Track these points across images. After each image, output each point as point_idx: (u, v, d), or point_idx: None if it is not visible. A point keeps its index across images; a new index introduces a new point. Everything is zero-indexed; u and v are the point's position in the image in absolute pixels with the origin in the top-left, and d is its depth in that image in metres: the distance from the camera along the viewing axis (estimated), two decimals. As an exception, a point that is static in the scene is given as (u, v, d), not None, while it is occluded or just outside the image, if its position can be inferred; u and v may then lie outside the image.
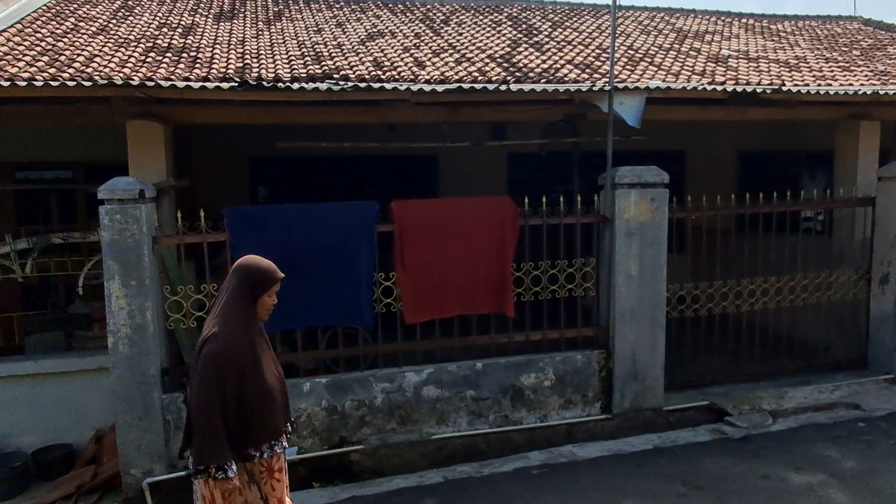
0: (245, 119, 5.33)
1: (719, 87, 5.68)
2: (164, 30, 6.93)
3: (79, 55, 5.51)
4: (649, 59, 6.97)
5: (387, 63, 6.10)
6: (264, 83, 4.85)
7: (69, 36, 6.24)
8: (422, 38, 7.34)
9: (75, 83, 4.52)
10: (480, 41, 7.37)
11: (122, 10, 7.63)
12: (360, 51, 6.57)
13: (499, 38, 7.65)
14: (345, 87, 4.92)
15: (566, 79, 5.84)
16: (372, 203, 4.92)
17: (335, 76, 5.38)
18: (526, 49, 7.11)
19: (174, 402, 4.61)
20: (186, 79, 4.95)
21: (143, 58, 5.69)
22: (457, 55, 6.60)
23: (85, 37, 6.28)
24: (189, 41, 6.52)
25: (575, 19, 9.17)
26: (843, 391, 5.81)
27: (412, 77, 5.59)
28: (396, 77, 5.56)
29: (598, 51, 7.19)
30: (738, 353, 6.08)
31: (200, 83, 4.73)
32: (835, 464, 4.58)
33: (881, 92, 5.87)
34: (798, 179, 9.50)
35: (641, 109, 5.36)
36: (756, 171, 9.50)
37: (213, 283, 4.69)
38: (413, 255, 4.95)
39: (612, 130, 5.35)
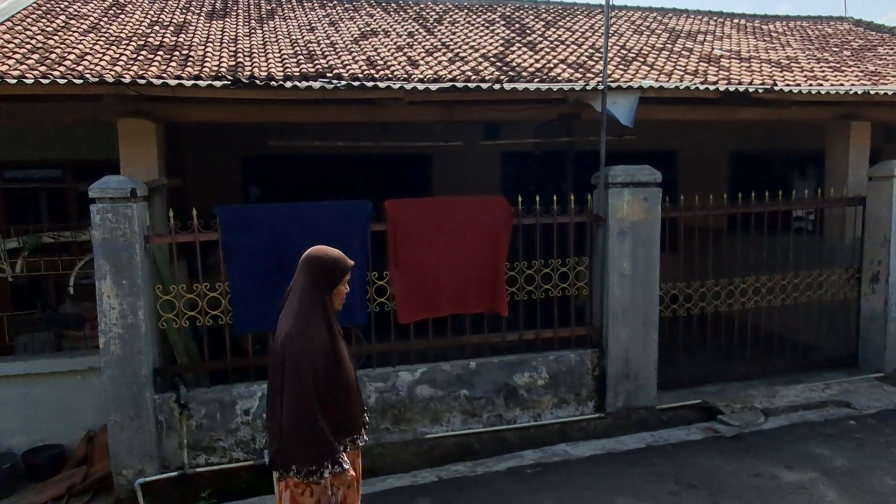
0: (237, 117, 5.32)
1: (712, 87, 5.70)
2: (156, 28, 6.88)
3: (69, 53, 5.46)
4: (642, 59, 6.98)
5: (380, 62, 6.09)
6: (257, 81, 4.83)
7: (60, 34, 6.18)
8: (415, 37, 7.33)
9: (66, 81, 4.49)
10: (474, 40, 7.37)
11: (114, 8, 7.58)
12: (353, 49, 6.56)
13: (492, 37, 7.64)
14: (338, 85, 4.90)
15: (559, 78, 5.84)
16: (365, 202, 4.91)
17: (328, 75, 5.36)
18: (519, 48, 7.11)
19: (166, 402, 4.58)
20: (178, 77, 4.92)
21: (134, 56, 5.65)
22: (450, 54, 6.60)
23: (76, 34, 6.23)
24: (181, 39, 6.48)
25: (568, 19, 9.18)
26: (834, 389, 5.85)
27: (405, 76, 5.58)
28: (390, 76, 5.55)
29: (591, 50, 7.20)
30: (730, 351, 6.11)
31: (192, 81, 4.70)
32: (826, 462, 4.61)
33: (872, 92, 5.91)
34: (790, 179, 9.56)
35: (634, 109, 5.38)
36: (748, 170, 9.53)
37: (205, 283, 4.67)
38: (407, 255, 4.94)
39: (605, 130, 5.36)
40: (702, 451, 4.89)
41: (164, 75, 4.99)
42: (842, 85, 6.29)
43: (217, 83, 4.69)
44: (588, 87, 5.39)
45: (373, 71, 5.69)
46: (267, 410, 2.81)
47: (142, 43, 6.15)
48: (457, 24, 8.27)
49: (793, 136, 8.63)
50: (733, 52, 7.80)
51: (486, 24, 8.38)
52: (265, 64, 5.75)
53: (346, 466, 2.63)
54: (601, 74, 5.49)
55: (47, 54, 5.37)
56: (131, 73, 5.00)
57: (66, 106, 4.95)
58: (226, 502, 4.46)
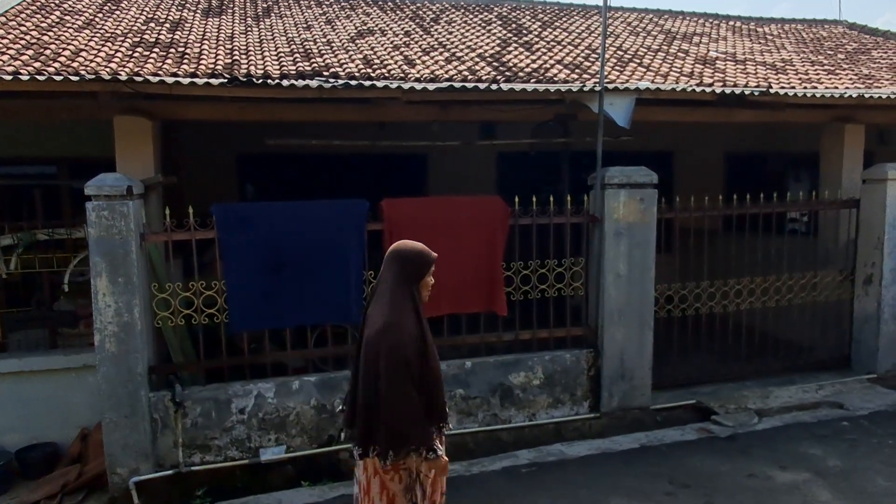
0: (234, 116, 5.30)
1: (707, 89, 5.72)
2: (152, 25, 6.85)
3: (64, 49, 5.44)
4: (638, 61, 7.00)
5: (377, 61, 6.09)
6: (253, 79, 4.82)
7: (54, 30, 6.15)
8: (412, 37, 7.33)
9: (62, 77, 4.47)
10: (470, 40, 7.37)
11: (109, 4, 7.55)
12: (349, 48, 6.55)
13: (489, 37, 7.65)
14: (335, 84, 4.90)
15: (556, 79, 5.86)
16: (362, 201, 4.90)
17: (325, 73, 5.35)
18: (516, 49, 7.12)
19: (161, 400, 4.57)
20: (174, 74, 4.91)
21: (130, 53, 5.62)
22: (447, 54, 6.60)
23: (71, 31, 6.20)
24: (177, 36, 6.46)
25: (564, 19, 9.20)
26: (828, 390, 5.89)
27: (402, 75, 5.58)
28: (386, 75, 5.55)
29: (587, 51, 7.21)
30: (724, 352, 6.14)
31: (189, 79, 4.69)
32: (819, 462, 4.64)
33: (866, 95, 5.95)
34: (784, 181, 9.59)
35: (631, 110, 5.39)
36: (743, 172, 9.57)
37: (201, 281, 4.66)
38: (403, 254, 4.94)
39: (601, 131, 5.37)
40: (696, 451, 4.91)
41: (161, 73, 4.97)
42: (836, 88, 6.33)
43: (214, 81, 4.67)
44: (585, 89, 5.40)
45: (369, 70, 5.69)
46: (351, 400, 2.88)
47: (137, 40, 6.12)
48: (453, 24, 8.27)
49: (787, 139, 8.68)
50: (729, 55, 7.84)
51: (483, 24, 8.39)
52: (261, 62, 5.74)
53: (440, 452, 2.73)
54: (598, 75, 5.51)
55: (42, 50, 5.35)
56: (127, 70, 4.98)
57: (61, 103, 4.92)
58: (220, 501, 4.45)
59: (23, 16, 6.56)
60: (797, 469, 4.54)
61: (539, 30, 8.32)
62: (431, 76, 5.63)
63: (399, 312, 2.72)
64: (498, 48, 7.07)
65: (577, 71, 6.25)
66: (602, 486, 4.39)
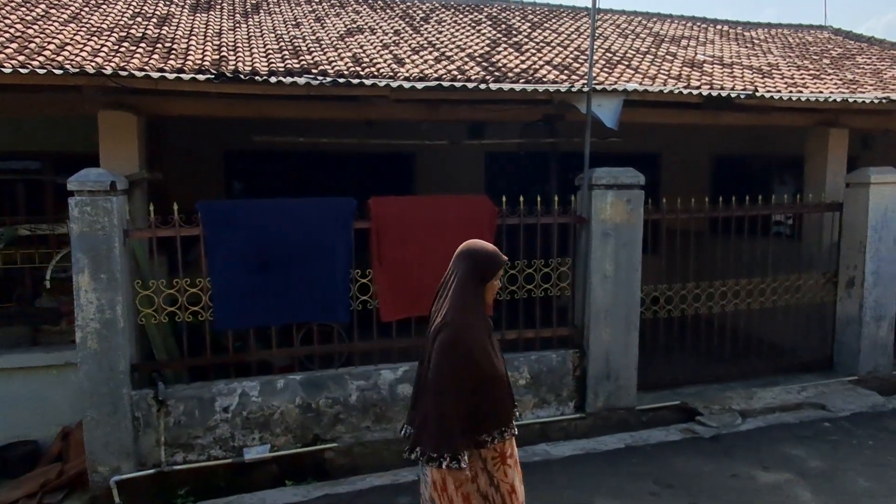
0: (221, 112, 5.26)
1: (695, 91, 5.76)
2: (139, 19, 6.79)
3: (49, 43, 5.37)
4: (627, 62, 7.04)
5: (366, 59, 6.07)
6: (241, 76, 4.79)
7: (40, 23, 6.07)
8: (401, 36, 7.32)
9: (46, 71, 4.41)
10: (460, 40, 7.37)
11: (95, -2, 7.47)
12: (339, 46, 6.52)
13: (478, 37, 7.65)
14: (323, 81, 4.87)
15: (545, 79, 5.87)
16: (349, 199, 4.89)
17: (314, 71, 5.33)
18: (505, 49, 7.13)
19: (144, 398, 4.53)
20: (161, 70, 4.86)
21: (116, 47, 5.57)
22: (436, 53, 6.59)
23: (56, 24, 6.12)
24: (164, 31, 6.40)
25: (554, 21, 9.23)
26: (810, 392, 5.94)
27: (391, 74, 5.56)
28: (375, 73, 5.53)
29: (576, 52, 7.24)
30: (709, 353, 6.18)
31: (175, 74, 4.65)
32: (801, 463, 4.68)
33: (850, 100, 6.02)
34: (769, 184, 9.69)
35: (619, 111, 5.41)
36: (729, 175, 9.67)
37: (185, 278, 4.62)
38: (390, 253, 4.93)
39: (589, 131, 5.39)
40: (680, 451, 4.94)
41: (147, 68, 4.93)
42: (821, 92, 6.39)
43: (200, 77, 4.63)
44: (573, 89, 5.42)
45: (358, 68, 5.67)
46: (414, 400, 2.88)
47: (124, 34, 6.07)
48: (443, 24, 8.26)
49: (773, 142, 8.76)
50: (716, 58, 7.89)
51: (473, 24, 8.39)
52: (250, 58, 5.70)
53: (463, 466, 2.62)
54: (586, 76, 5.53)
55: (26, 44, 5.27)
56: (113, 64, 4.93)
57: (45, 97, 4.86)
58: (203, 500, 4.41)
59: (7, 8, 6.46)
60: (780, 469, 4.58)
61: (529, 30, 8.33)
62: (420, 75, 5.62)
63: (460, 312, 2.68)
64: (487, 48, 7.07)
65: (566, 72, 6.27)
66: (587, 487, 4.40)
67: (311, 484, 4.58)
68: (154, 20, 6.84)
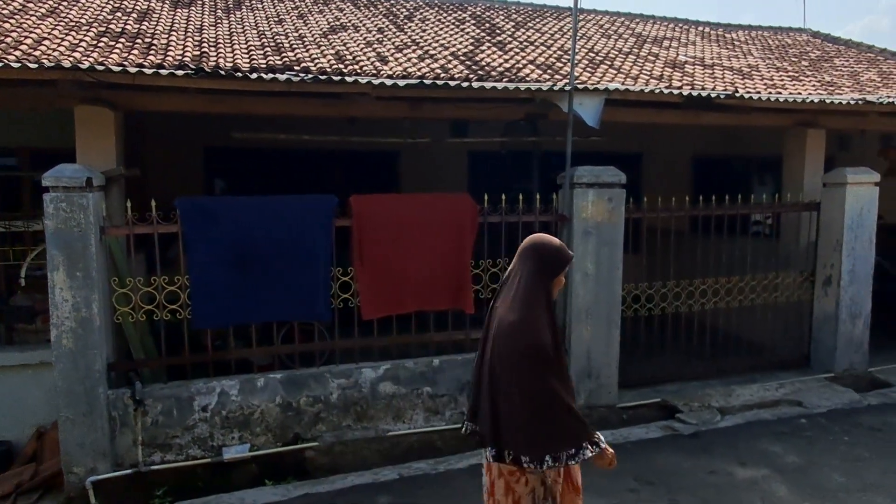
0: (201, 108, 5.20)
1: (676, 92, 5.80)
2: (118, 14, 6.70)
3: (26, 37, 5.28)
4: (609, 62, 7.08)
5: (349, 57, 6.04)
6: (221, 72, 4.74)
7: (16, 17, 5.97)
8: (385, 34, 7.29)
9: (20, 65, 4.33)
10: (444, 38, 7.36)
11: (73, -8, 7.35)
12: (321, 43, 6.48)
13: (462, 36, 7.65)
14: (304, 78, 4.84)
15: (528, 78, 5.88)
16: (330, 197, 4.86)
17: (296, 68, 5.29)
18: (489, 48, 7.14)
19: (120, 398, 4.47)
20: (140, 65, 4.80)
21: (94, 42, 5.48)
22: (420, 51, 6.58)
23: (33, 18, 6.02)
24: (144, 27, 6.32)
25: (537, 20, 9.25)
26: (787, 389, 6.02)
27: (374, 72, 5.54)
28: (358, 71, 5.50)
29: (559, 52, 7.26)
30: (689, 351, 6.24)
31: (153, 69, 4.59)
32: (778, 459, 4.74)
33: (828, 101, 6.10)
34: (749, 184, 9.81)
35: (600, 110, 5.44)
36: (709, 175, 9.77)
37: (163, 276, 4.57)
38: (371, 251, 4.92)
39: (571, 130, 5.41)
40: (660, 448, 4.97)
41: (125, 63, 4.86)
42: (799, 94, 6.48)
43: (179, 72, 4.58)
44: (555, 88, 5.43)
45: (341, 66, 5.64)
46: (475, 394, 2.77)
47: (103, 29, 5.98)
48: (427, 22, 8.25)
49: (752, 143, 8.86)
50: (697, 59, 7.96)
51: (457, 23, 8.39)
52: (231, 55, 5.65)
53: (604, 445, 2.64)
54: (569, 76, 5.54)
55: (2, 38, 5.18)
56: (91, 59, 4.86)
57: (21, 91, 4.77)
58: (181, 501, 4.36)
59: (-18, 1, 6.35)
60: (757, 465, 4.63)
61: (512, 30, 8.35)
62: (404, 73, 5.60)
63: (534, 308, 2.61)
64: (471, 47, 7.08)
65: (548, 71, 6.29)
66: (567, 483, 4.41)
67: (290, 483, 4.55)
68: (134, 15, 6.75)
